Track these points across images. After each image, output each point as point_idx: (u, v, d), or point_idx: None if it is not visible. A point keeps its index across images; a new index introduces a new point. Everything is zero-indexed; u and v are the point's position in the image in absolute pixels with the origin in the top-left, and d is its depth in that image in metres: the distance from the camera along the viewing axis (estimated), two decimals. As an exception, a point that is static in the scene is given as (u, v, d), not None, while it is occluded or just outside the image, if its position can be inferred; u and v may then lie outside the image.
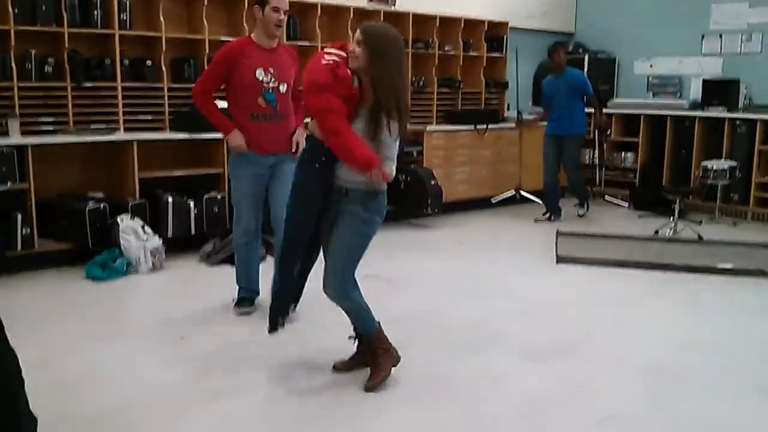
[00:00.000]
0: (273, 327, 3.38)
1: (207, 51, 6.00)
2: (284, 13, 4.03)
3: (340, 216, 3.15)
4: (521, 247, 6.19)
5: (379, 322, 3.35)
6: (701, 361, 3.72)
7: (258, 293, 4.40)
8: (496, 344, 3.90)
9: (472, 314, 4.41)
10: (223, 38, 6.12)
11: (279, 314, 3.37)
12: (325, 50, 3.15)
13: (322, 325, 3.88)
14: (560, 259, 5.72)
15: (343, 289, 3.20)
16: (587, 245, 6.23)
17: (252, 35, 4.13)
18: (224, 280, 4.98)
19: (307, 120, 3.33)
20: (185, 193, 5.56)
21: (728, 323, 4.34)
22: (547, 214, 7.41)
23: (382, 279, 4.98)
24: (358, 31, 3.07)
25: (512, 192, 7.88)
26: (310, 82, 3.05)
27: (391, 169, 3.09)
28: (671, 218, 6.72)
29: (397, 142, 3.11)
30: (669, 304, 4.68)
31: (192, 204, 5.49)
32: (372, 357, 3.33)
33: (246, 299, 4.37)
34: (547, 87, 7.35)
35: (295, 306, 3.59)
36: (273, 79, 4.05)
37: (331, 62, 3.05)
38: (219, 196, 5.64)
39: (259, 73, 4.02)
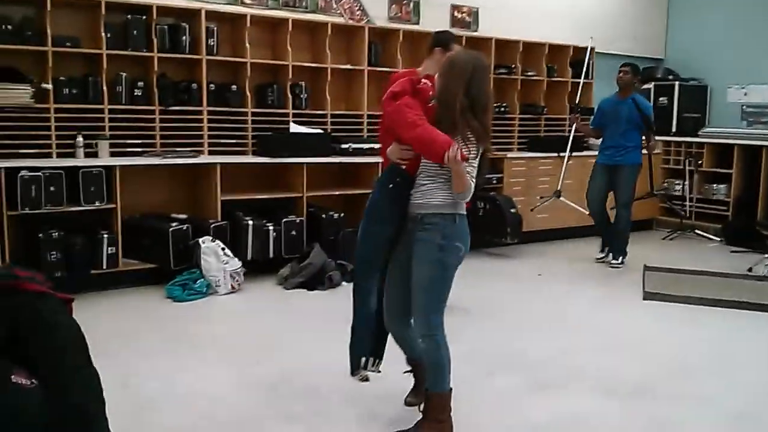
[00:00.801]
0: (355, 368, 3.24)
1: (291, 76, 6.14)
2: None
3: (416, 246, 2.98)
4: (605, 281, 6.01)
5: (451, 389, 3.07)
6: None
7: None
8: (577, 380, 3.78)
9: (553, 348, 4.29)
10: (306, 64, 6.26)
11: (360, 354, 3.22)
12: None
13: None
14: (647, 295, 5.52)
15: (431, 333, 2.98)
16: (676, 282, 6.00)
17: (421, 69, 4.28)
18: (301, 303, 5.05)
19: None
20: (265, 216, 5.65)
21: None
22: (604, 253, 6.75)
23: (458, 309, 4.90)
24: None
25: (553, 197, 7.29)
26: (388, 94, 3.08)
27: (470, 186, 2.93)
28: (766, 254, 6.40)
29: (474, 167, 2.97)
30: (764, 348, 4.44)
31: (271, 227, 5.57)
32: (424, 415, 3.07)
33: None
34: (606, 108, 6.66)
35: (379, 361, 3.30)
36: None
37: (413, 78, 3.12)
38: (297, 220, 5.71)
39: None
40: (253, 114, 6.02)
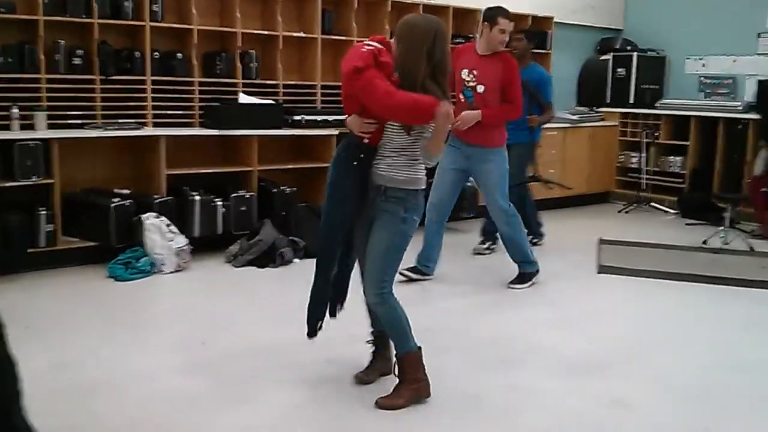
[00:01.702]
0: (311, 331, 3.27)
1: (240, 44, 5.94)
2: (507, 34, 4.72)
3: (378, 216, 3.06)
4: (560, 254, 6.00)
5: (420, 347, 3.18)
6: (752, 384, 3.54)
7: (424, 270, 4.95)
8: (533, 358, 3.77)
9: (509, 325, 4.28)
10: (257, 31, 6.07)
11: (316, 318, 3.26)
12: (365, 42, 3.09)
13: (355, 335, 3.75)
14: (602, 269, 5.53)
15: (382, 292, 3.07)
16: (631, 255, 6.03)
17: (475, 42, 4.87)
18: (250, 282, 4.93)
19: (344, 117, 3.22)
20: (213, 191, 5.49)
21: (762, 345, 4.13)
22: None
23: (414, 285, 4.87)
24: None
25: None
26: (349, 69, 2.96)
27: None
28: (721, 227, 6.47)
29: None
30: (718, 321, 4.48)
31: (220, 202, 5.42)
32: (400, 380, 3.17)
33: (411, 268, 4.90)
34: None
35: (336, 311, 3.39)
36: (474, 80, 4.67)
37: (372, 48, 3.02)
38: (247, 195, 5.56)
39: (464, 73, 4.72)
40: (200, 84, 5.81)
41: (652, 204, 8.19)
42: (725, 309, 4.70)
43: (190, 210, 5.31)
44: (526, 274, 5.01)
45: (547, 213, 7.68)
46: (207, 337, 3.89)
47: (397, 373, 3.18)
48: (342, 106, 3.21)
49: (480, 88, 4.69)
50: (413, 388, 3.14)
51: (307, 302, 3.25)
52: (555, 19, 8.19)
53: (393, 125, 3.02)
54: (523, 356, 3.79)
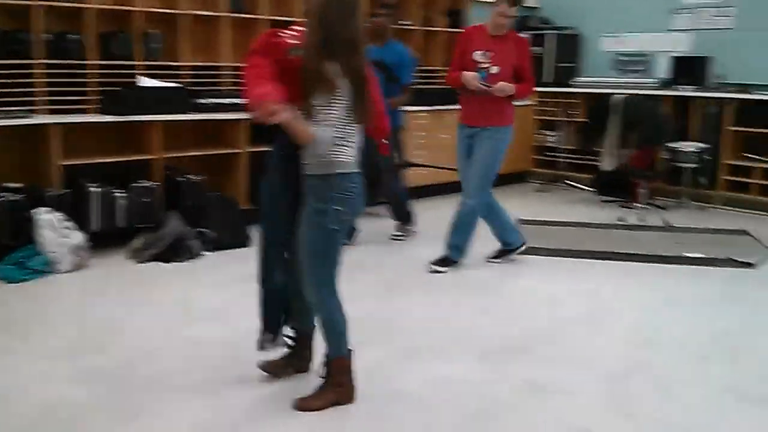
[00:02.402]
0: (261, 345, 3.16)
1: (139, 23, 5.59)
2: (508, 18, 4.74)
3: (302, 211, 2.87)
4: (480, 236, 5.91)
5: (351, 351, 3.01)
6: (671, 360, 3.57)
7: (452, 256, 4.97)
8: (455, 345, 3.68)
9: (431, 312, 4.19)
10: (157, 9, 5.73)
11: (267, 329, 3.15)
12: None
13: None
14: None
15: (319, 296, 2.89)
16: (550, 234, 6.03)
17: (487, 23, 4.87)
18: (154, 279, 4.65)
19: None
20: (113, 182, 5.16)
21: (698, 318, 4.17)
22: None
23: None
24: None
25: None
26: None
27: (316, 133, 2.67)
28: (637, 204, 6.53)
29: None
30: (636, 298, 4.50)
31: (120, 194, 5.10)
32: (324, 381, 3.01)
33: (447, 259, 4.97)
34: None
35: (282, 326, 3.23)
36: (488, 61, 4.71)
37: (271, 33, 2.92)
38: (151, 185, 5.25)
39: (477, 55, 4.75)
40: (97, 67, 5.45)
41: (567, 182, 8.24)
42: (644, 287, 4.73)
43: (87, 203, 4.97)
44: (451, 260, 5.00)
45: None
46: (104, 341, 3.63)
47: (323, 374, 3.01)
48: None
49: (494, 69, 4.73)
50: (336, 392, 2.99)
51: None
52: (471, -4, 8.10)
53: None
54: (445, 344, 3.69)
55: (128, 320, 3.93)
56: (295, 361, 3.24)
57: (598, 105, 7.35)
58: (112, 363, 3.38)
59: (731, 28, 7.64)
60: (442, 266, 4.95)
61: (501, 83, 4.69)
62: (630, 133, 6.86)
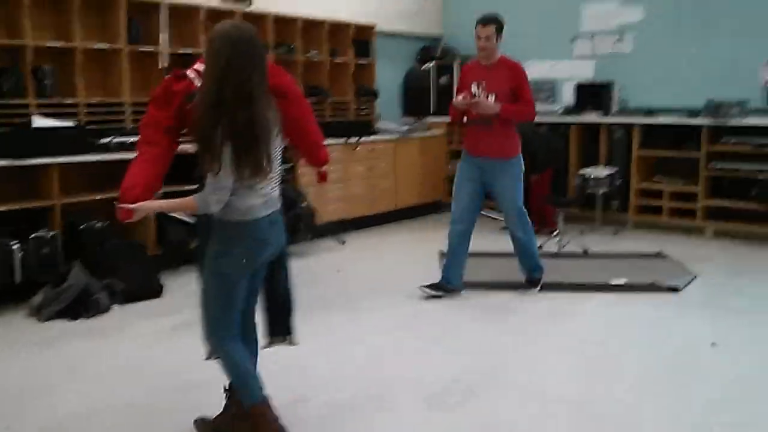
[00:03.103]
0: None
1: (31, 58, 5.19)
2: (485, 40, 4.85)
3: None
4: (402, 270, 5.83)
5: (266, 398, 2.82)
6: (616, 394, 3.49)
7: (452, 285, 5.05)
8: (392, 391, 3.49)
9: (359, 356, 4.00)
10: (50, 43, 5.34)
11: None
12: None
13: (190, 380, 3.27)
14: (448, 284, 5.39)
15: (215, 341, 2.81)
16: (474, 266, 5.94)
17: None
18: (60, 338, 4.25)
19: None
20: (8, 233, 4.72)
21: (632, 346, 4.16)
22: None
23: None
24: None
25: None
26: None
27: (196, 199, 2.61)
28: (552, 232, 6.59)
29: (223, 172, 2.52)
30: (567, 329, 4.46)
31: (16, 246, 4.66)
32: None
33: (439, 286, 5.05)
34: None
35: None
36: (483, 91, 4.79)
37: (172, 78, 2.83)
38: (50, 234, 4.82)
39: (473, 87, 4.84)
40: (-15, 106, 5.02)
41: (482, 212, 8.24)
42: (568, 316, 4.71)
43: (-22, 257, 4.52)
44: (535, 279, 5.21)
45: (383, 227, 7.59)
46: (6, 413, 3.23)
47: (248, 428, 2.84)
48: None
49: (491, 98, 4.80)
50: None
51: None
52: (377, 28, 8.05)
53: None
54: (384, 392, 3.50)
55: (33, 389, 3.53)
56: (235, 409, 2.98)
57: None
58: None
59: (629, 53, 7.93)
60: (534, 287, 5.21)
61: (481, 98, 4.76)
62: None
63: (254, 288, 2.90)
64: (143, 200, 2.69)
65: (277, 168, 2.74)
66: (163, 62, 5.91)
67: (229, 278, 2.71)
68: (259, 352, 3.04)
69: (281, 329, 3.17)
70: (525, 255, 5.20)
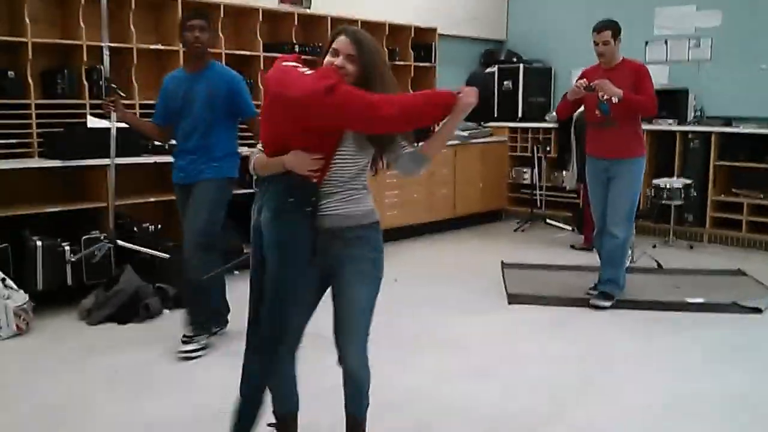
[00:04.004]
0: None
1: (86, 59, 5.20)
2: (602, 45, 4.87)
3: (344, 265, 2.56)
4: (463, 282, 5.63)
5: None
6: (697, 428, 3.23)
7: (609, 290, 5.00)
8: (447, 420, 3.28)
9: (417, 377, 3.78)
10: (103, 44, 5.33)
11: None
12: (284, 62, 2.51)
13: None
14: (512, 299, 5.18)
15: (366, 356, 2.67)
16: (537, 279, 5.75)
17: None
18: (109, 343, 4.19)
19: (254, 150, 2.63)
20: (59, 234, 4.72)
21: (714, 375, 3.85)
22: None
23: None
24: (344, 40, 2.47)
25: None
26: (318, 89, 2.31)
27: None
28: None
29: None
30: (643, 354, 4.18)
31: (68, 247, 4.65)
32: None
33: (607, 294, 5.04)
34: (169, 87, 4.23)
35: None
36: (603, 93, 4.79)
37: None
38: (102, 236, 4.80)
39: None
40: (39, 106, 5.04)
41: (548, 221, 8.04)
42: (647, 338, 4.43)
43: (30, 258, 4.52)
44: (609, 294, 5.04)
45: (441, 235, 7.43)
46: (51, 423, 3.16)
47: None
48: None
49: (615, 99, 4.76)
50: None
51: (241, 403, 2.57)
52: (439, 32, 7.90)
53: (345, 152, 2.48)
54: (434, 419, 3.30)
55: (82, 394, 3.47)
56: None
57: (564, 125, 7.20)
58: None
59: (706, 59, 7.61)
60: (605, 301, 4.99)
61: (605, 80, 4.72)
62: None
63: None
64: None
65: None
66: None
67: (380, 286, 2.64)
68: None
69: None
70: (611, 263, 5.03)
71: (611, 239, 4.97)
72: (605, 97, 4.79)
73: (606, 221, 5.03)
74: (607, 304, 4.97)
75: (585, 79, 4.85)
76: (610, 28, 4.88)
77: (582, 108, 5.38)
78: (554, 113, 6.41)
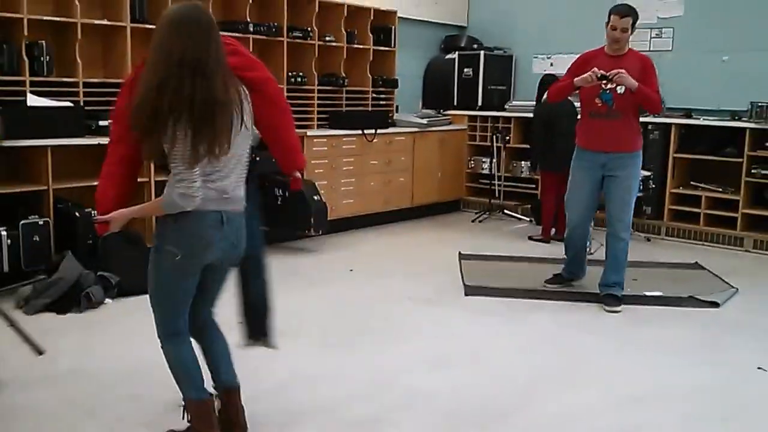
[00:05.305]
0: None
1: (26, 33, 5.02)
2: (621, 31, 4.72)
3: None
4: (420, 273, 5.60)
5: (210, 396, 2.80)
6: (662, 420, 3.26)
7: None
8: (407, 413, 3.26)
9: (374, 369, 3.75)
10: (48, 17, 5.17)
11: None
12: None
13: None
14: (469, 290, 5.17)
15: (160, 336, 2.78)
16: (494, 269, 5.76)
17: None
18: (47, 334, 4.05)
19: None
20: (-5, 218, 4.57)
21: (671, 367, 3.90)
22: None
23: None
24: None
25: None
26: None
27: (162, 200, 2.52)
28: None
29: (182, 155, 2.43)
30: (600, 346, 4.21)
31: (4, 232, 4.51)
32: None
33: (564, 278, 5.25)
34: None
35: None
36: (611, 82, 4.64)
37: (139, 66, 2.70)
38: (41, 221, 4.66)
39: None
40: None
41: (506, 212, 8.07)
42: (605, 330, 4.47)
43: (-37, 244, 4.36)
44: (619, 297, 4.88)
45: (399, 225, 7.42)
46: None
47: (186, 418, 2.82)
48: None
49: (620, 89, 4.68)
50: None
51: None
52: (399, 15, 7.84)
53: None
54: (395, 412, 3.27)
55: (15, 388, 3.35)
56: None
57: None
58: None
59: (668, 50, 7.69)
60: (617, 305, 4.84)
61: (622, 71, 4.56)
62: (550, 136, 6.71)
63: (210, 293, 2.83)
64: (115, 210, 2.63)
65: (242, 162, 2.65)
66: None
67: (166, 276, 2.65)
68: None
69: (258, 332, 3.17)
70: (618, 266, 4.92)
71: (618, 242, 4.86)
72: (609, 86, 4.69)
73: (610, 221, 4.89)
74: (620, 308, 4.83)
75: (596, 68, 4.64)
76: (632, 15, 4.75)
77: (546, 95, 5.34)
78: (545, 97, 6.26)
